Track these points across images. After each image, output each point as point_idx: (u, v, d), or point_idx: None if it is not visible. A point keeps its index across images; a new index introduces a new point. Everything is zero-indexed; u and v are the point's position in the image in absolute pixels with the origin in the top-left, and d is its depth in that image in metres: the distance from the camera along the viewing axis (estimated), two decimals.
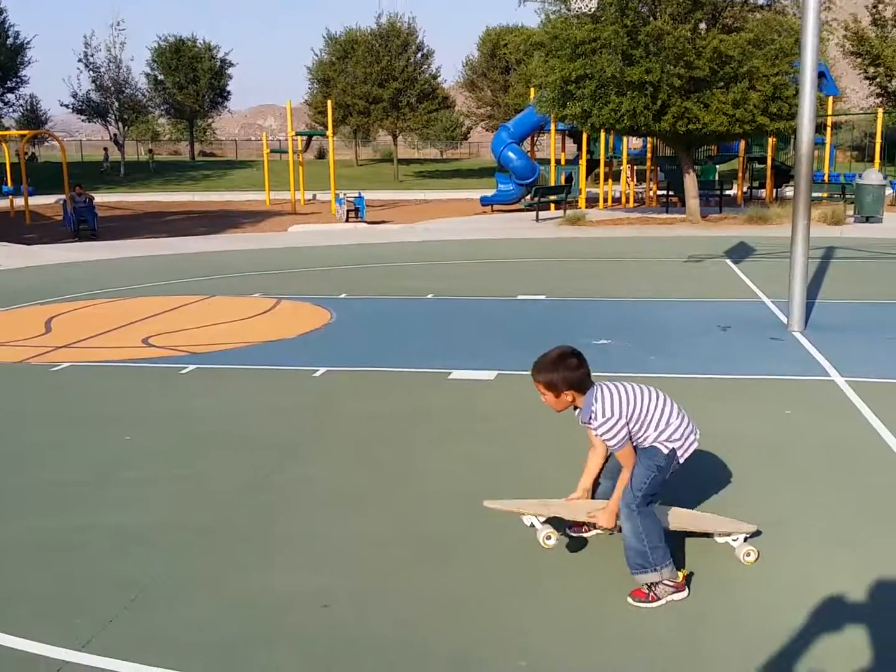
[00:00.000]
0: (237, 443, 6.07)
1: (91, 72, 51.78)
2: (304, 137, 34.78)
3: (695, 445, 3.99)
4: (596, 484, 4.24)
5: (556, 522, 4.20)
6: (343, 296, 12.10)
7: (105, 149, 53.24)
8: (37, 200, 31.59)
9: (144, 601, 3.89)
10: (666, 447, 3.91)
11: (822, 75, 23.34)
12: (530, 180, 27.75)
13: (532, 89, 27.84)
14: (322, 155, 63.02)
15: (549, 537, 4.04)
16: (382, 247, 18.92)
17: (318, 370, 7.95)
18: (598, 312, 10.68)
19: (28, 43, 50.44)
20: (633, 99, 20.47)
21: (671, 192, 27.15)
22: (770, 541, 4.38)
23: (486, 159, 59.03)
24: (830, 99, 29.23)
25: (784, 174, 30.64)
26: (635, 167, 32.22)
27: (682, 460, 3.97)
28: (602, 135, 26.70)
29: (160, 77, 60.29)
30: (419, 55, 53.20)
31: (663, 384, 4.46)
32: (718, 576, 4.03)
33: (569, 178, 28.23)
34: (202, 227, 24.54)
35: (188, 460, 5.74)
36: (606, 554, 4.20)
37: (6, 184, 28.99)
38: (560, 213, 25.24)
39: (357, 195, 26.03)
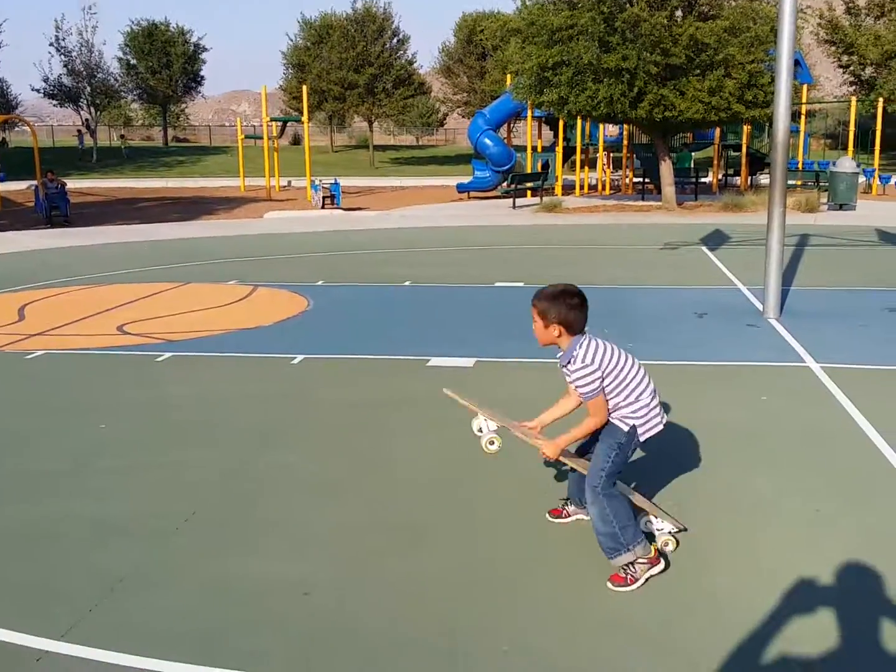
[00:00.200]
0: (214, 431, 6.04)
1: (62, 56, 51.18)
2: (279, 123, 34.59)
3: (658, 428, 3.97)
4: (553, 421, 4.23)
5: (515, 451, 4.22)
6: (320, 283, 12.06)
7: (79, 131, 52.61)
8: (8, 186, 31.20)
9: (123, 590, 3.87)
10: (626, 423, 3.90)
11: (796, 63, 23.41)
12: (507, 167, 27.76)
13: (508, 76, 27.82)
14: (297, 141, 62.71)
15: (492, 442, 4.17)
16: (359, 234, 18.86)
17: (295, 358, 7.93)
18: None
19: None
20: (609, 86, 20.50)
21: (647, 180, 27.26)
22: (746, 524, 4.43)
23: (463, 146, 59.01)
24: (805, 87, 29.45)
25: (759, 162, 30.85)
26: (611, 154, 32.30)
27: (642, 439, 3.95)
28: (578, 122, 26.73)
29: (133, 62, 59.66)
30: (395, 40, 53.00)
31: None
32: (696, 560, 4.07)
33: (545, 166, 28.25)
34: (176, 214, 24.33)
35: (165, 449, 5.71)
36: (585, 540, 4.22)
37: None
38: (536, 200, 25.27)
39: (333, 182, 25.91)
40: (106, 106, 55.98)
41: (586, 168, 30.20)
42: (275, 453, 5.61)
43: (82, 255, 15.69)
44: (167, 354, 8.13)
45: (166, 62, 59.41)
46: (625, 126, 28.62)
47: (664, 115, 20.74)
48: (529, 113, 26.96)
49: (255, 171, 34.50)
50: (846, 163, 22.65)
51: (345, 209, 24.76)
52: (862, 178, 25.96)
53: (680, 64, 20.33)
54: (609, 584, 3.83)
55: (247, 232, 19.36)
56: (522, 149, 29.56)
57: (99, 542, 4.36)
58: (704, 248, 15.12)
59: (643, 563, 3.84)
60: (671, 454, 5.40)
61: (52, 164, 32.48)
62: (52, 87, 52.16)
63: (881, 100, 30.45)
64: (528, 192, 26.84)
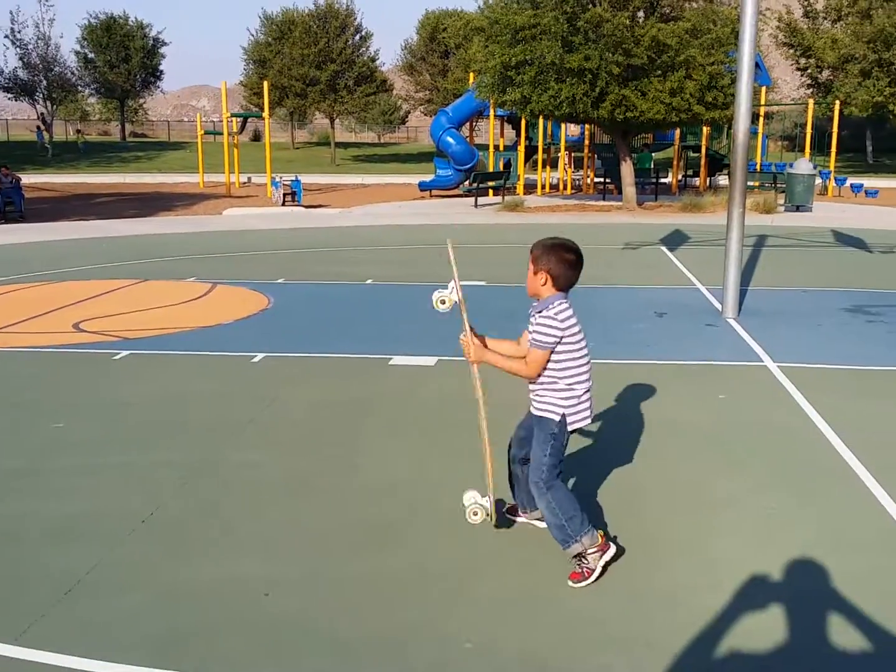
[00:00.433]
0: (173, 430, 5.97)
1: (18, 49, 50.33)
2: (240, 119, 34.22)
3: (587, 422, 3.98)
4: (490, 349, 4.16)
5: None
6: (280, 280, 11.97)
7: (38, 126, 51.74)
8: None
9: (80, 592, 3.81)
10: (556, 413, 3.90)
11: (756, 65, 23.78)
12: (469, 166, 27.76)
13: (471, 74, 27.84)
14: (258, 137, 62.20)
15: (443, 301, 4.28)
16: (320, 231, 18.76)
17: (256, 356, 7.86)
18: None
19: None
20: (572, 86, 20.60)
21: (608, 180, 27.42)
22: (704, 521, 4.48)
23: (425, 144, 58.97)
24: (763, 89, 29.84)
25: (717, 163, 31.18)
26: (573, 154, 32.45)
27: (570, 428, 3.96)
28: (541, 121, 26.83)
29: (90, 55, 58.84)
30: (357, 37, 52.75)
31: (600, 369, 4.52)
32: (654, 557, 4.11)
33: (507, 164, 28.32)
34: (133, 210, 24.00)
35: (123, 448, 5.63)
36: (546, 538, 4.23)
37: None
38: (499, 199, 25.31)
39: (294, 178, 25.72)
40: (62, 100, 55.16)
41: (548, 168, 30.32)
42: (236, 453, 5.56)
43: (37, 251, 15.43)
44: (125, 352, 8.02)
45: (125, 56, 58.66)
46: (586, 126, 28.78)
47: (625, 115, 20.88)
48: (492, 112, 26.99)
49: (214, 167, 34.15)
50: (803, 165, 22.99)
51: (306, 206, 24.61)
52: (818, 180, 26.34)
53: (641, 65, 20.48)
54: (569, 583, 3.85)
55: (206, 228, 19.16)
56: (485, 147, 29.61)
57: (55, 543, 4.28)
58: (664, 248, 15.26)
59: (594, 553, 3.88)
60: (627, 451, 5.44)
61: (6, 159, 31.89)
62: (6, 81, 51.30)
63: (838, 102, 30.94)
64: (490, 191, 26.88)
